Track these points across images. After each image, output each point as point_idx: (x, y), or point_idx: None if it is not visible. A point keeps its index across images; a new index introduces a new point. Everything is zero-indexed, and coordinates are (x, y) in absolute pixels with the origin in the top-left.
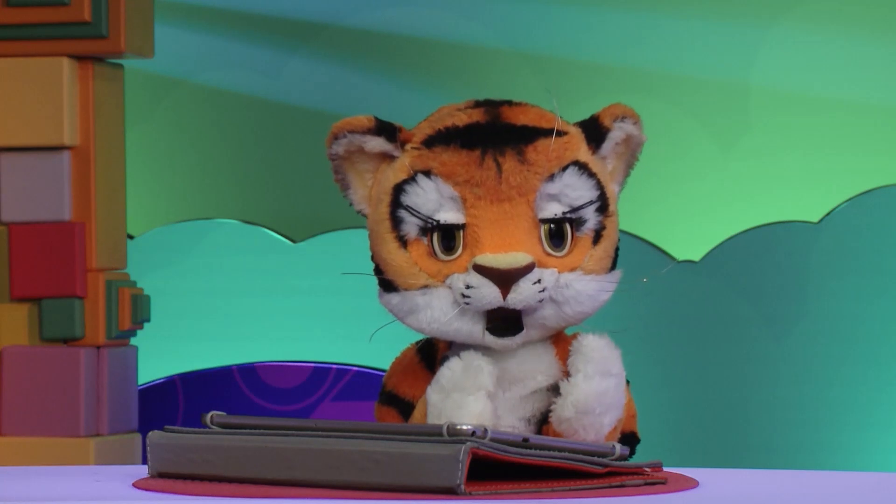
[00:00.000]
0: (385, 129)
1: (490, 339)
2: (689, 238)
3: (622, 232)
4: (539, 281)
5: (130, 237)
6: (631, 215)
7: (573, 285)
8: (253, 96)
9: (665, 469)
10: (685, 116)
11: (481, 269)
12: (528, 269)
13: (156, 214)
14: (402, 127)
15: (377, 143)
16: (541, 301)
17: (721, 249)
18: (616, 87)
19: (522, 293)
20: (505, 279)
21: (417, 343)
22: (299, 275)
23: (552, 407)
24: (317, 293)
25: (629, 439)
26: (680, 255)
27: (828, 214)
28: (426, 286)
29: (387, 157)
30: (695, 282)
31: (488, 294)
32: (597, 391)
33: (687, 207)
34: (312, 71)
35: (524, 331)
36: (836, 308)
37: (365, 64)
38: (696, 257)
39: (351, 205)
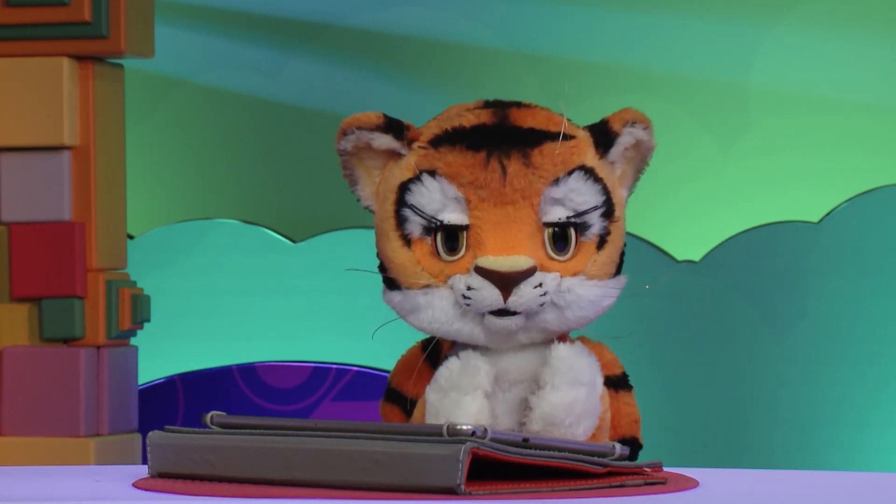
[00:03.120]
0: (393, 127)
1: (490, 320)
2: (689, 238)
3: None
4: (540, 285)
5: (130, 237)
6: (631, 215)
7: (575, 290)
8: (253, 96)
9: (665, 469)
10: (685, 116)
11: (482, 272)
12: (529, 272)
13: (156, 214)
14: (411, 125)
15: (385, 141)
16: (542, 305)
17: (721, 249)
18: (616, 87)
19: (523, 296)
20: (506, 282)
21: (423, 341)
22: (299, 275)
23: (523, 420)
24: (317, 293)
25: (631, 445)
26: (680, 255)
27: (828, 214)
28: (428, 286)
29: (394, 155)
30: (695, 282)
31: (489, 296)
32: (564, 402)
33: (687, 207)
34: (312, 71)
35: (524, 329)
36: (836, 308)
37: (365, 64)
38: (696, 257)
39: (359, 200)
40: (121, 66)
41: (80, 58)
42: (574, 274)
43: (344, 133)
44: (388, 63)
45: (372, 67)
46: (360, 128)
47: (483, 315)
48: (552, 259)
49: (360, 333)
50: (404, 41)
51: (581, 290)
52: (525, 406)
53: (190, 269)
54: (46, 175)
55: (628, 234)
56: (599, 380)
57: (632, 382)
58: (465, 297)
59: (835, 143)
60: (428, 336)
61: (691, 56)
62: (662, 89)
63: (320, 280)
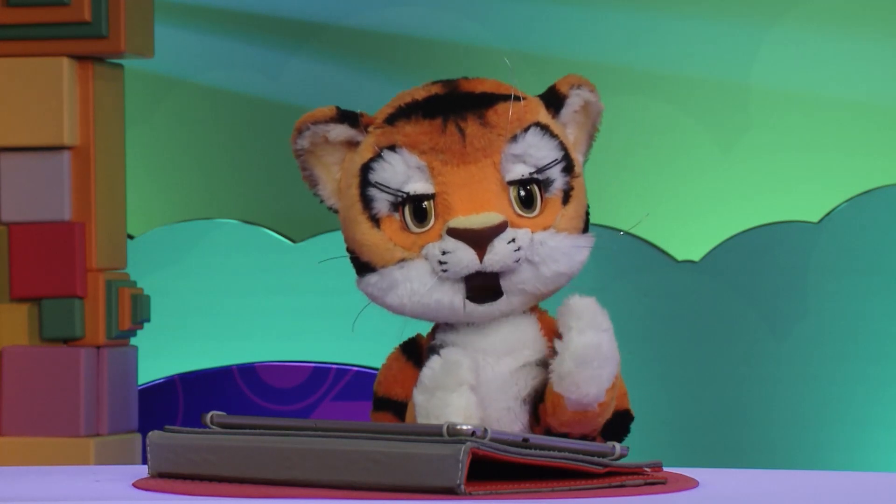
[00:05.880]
0: (347, 116)
1: (471, 307)
2: (689, 238)
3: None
4: (514, 240)
5: (130, 237)
6: (631, 215)
7: (547, 242)
8: (253, 96)
9: (665, 469)
10: (685, 116)
11: (455, 233)
12: (501, 227)
13: (156, 214)
14: (364, 112)
15: (341, 131)
16: (517, 261)
17: (721, 249)
18: (616, 87)
19: (498, 253)
20: (479, 239)
21: (401, 345)
22: (299, 275)
23: (550, 368)
24: (317, 293)
25: (623, 416)
26: (680, 255)
27: (828, 214)
28: (403, 260)
29: (352, 145)
30: (695, 282)
31: (465, 257)
32: (592, 343)
33: (687, 207)
34: (312, 71)
35: (504, 297)
36: (836, 308)
37: (365, 64)
38: (696, 257)
39: (321, 202)
40: (121, 66)
41: (80, 58)
42: (544, 229)
43: (299, 131)
44: (388, 63)
45: (372, 67)
46: (314, 122)
47: (464, 305)
48: (521, 217)
49: (361, 333)
50: (404, 41)
51: (553, 241)
52: (517, 379)
53: (190, 269)
54: (46, 175)
55: (628, 233)
56: (612, 331)
57: (632, 382)
58: (440, 262)
59: (835, 143)
60: (405, 340)
61: (691, 56)
62: (662, 89)
63: (320, 280)
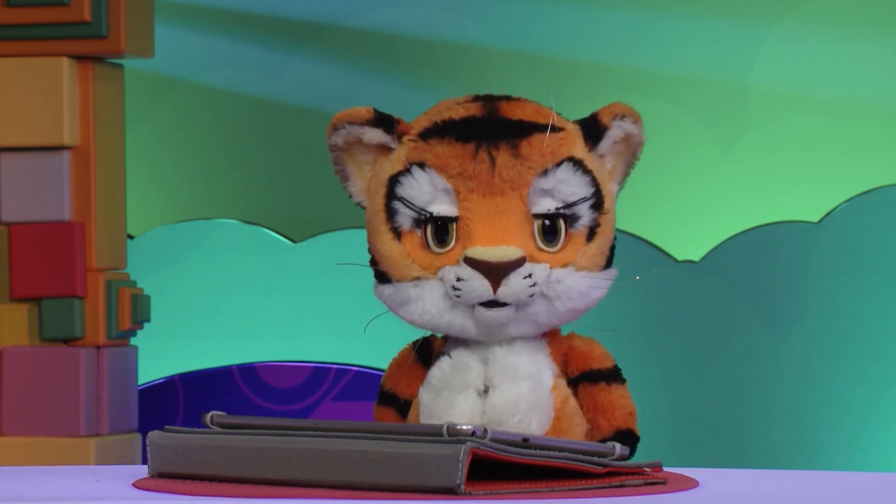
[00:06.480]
0: (383, 121)
1: (480, 312)
2: (689, 238)
3: (621, 231)
4: (530, 276)
5: (130, 237)
6: (631, 215)
7: (564, 281)
8: (253, 96)
9: (665, 469)
10: (685, 116)
11: (472, 262)
12: (518, 263)
13: (156, 214)
14: (401, 119)
15: (375, 135)
16: (531, 296)
17: (721, 249)
18: (616, 87)
19: (513, 287)
20: (495, 273)
21: (414, 342)
22: (299, 274)
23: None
24: (317, 293)
25: (628, 437)
26: (680, 255)
27: (828, 214)
28: (418, 278)
29: (385, 150)
30: (695, 282)
31: (479, 287)
32: (506, 402)
33: (687, 207)
34: (312, 71)
35: (514, 323)
36: (836, 307)
37: (365, 64)
38: (696, 257)
39: (350, 196)
40: (121, 66)
41: (80, 58)
42: (564, 265)
43: (335, 128)
44: (388, 63)
45: (372, 67)
46: (350, 122)
47: (473, 307)
48: (542, 250)
49: (361, 333)
50: (404, 41)
51: (570, 280)
52: None
53: (190, 269)
54: (46, 175)
55: (628, 234)
56: (547, 373)
57: (632, 382)
58: (454, 288)
59: (835, 143)
60: (419, 335)
61: (691, 56)
62: (662, 89)
63: (320, 280)
